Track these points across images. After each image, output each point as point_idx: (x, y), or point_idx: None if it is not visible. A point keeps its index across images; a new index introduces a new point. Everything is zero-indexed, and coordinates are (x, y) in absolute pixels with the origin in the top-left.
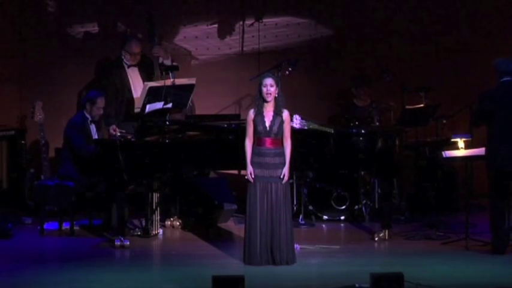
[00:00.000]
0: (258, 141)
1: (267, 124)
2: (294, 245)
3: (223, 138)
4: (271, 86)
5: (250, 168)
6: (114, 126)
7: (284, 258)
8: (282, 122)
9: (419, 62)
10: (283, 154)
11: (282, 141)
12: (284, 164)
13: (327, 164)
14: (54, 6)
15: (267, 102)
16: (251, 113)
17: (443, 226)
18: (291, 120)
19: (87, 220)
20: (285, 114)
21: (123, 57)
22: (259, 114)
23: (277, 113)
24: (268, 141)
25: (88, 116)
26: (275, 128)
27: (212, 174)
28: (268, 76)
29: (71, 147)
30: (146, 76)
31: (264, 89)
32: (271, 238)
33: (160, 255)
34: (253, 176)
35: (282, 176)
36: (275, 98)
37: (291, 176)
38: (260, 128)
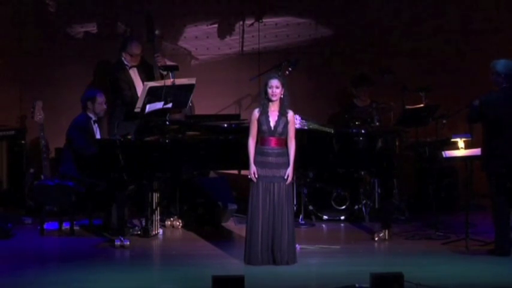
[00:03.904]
0: (261, 141)
1: (272, 124)
2: (295, 245)
3: (223, 138)
4: (277, 87)
5: (253, 167)
6: None
7: (285, 258)
8: (286, 122)
9: (419, 62)
10: (286, 154)
11: (286, 142)
12: (287, 164)
13: (327, 164)
14: (54, 6)
15: (271, 102)
16: (256, 113)
17: (443, 226)
18: None
19: (87, 220)
20: (290, 114)
21: (123, 58)
22: (264, 114)
23: (282, 114)
24: (272, 141)
25: (91, 115)
26: (280, 128)
27: (212, 174)
28: (274, 77)
29: (72, 147)
30: (145, 78)
31: (270, 91)
32: (273, 238)
33: (160, 255)
34: (256, 176)
35: (286, 177)
36: (280, 98)
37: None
38: (264, 127)
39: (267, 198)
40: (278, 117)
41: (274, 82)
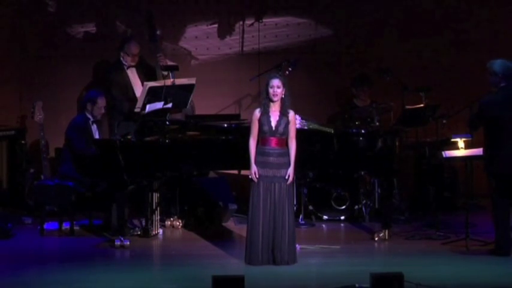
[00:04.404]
0: (262, 141)
1: (273, 124)
2: (296, 246)
3: (223, 138)
4: (278, 87)
5: (254, 167)
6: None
7: (285, 258)
8: (288, 122)
9: (419, 62)
10: (287, 154)
11: (287, 142)
12: (288, 164)
13: (327, 164)
14: (54, 6)
15: (273, 102)
16: (257, 112)
17: (443, 226)
18: None
19: (87, 220)
20: (291, 114)
21: (121, 58)
22: (265, 114)
23: (284, 114)
24: (273, 141)
25: (90, 116)
26: (281, 128)
27: (212, 174)
28: (275, 77)
29: (71, 148)
30: (145, 78)
31: (271, 90)
32: (273, 238)
33: (160, 255)
34: (257, 176)
35: (287, 177)
36: (282, 98)
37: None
38: (266, 127)
39: (267, 198)
40: (279, 117)
41: (276, 82)
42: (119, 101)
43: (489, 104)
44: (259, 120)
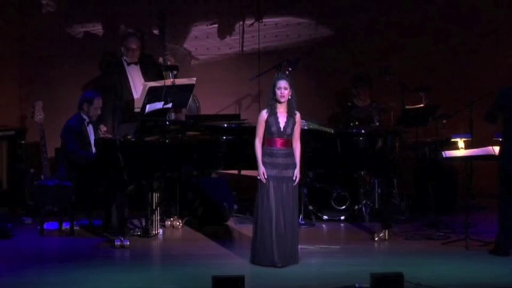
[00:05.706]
0: (268, 142)
1: (281, 125)
2: (298, 246)
3: (223, 138)
4: (285, 88)
5: (262, 168)
6: (102, 127)
7: (288, 258)
8: (294, 123)
9: (419, 62)
10: (293, 155)
11: (291, 142)
12: (294, 164)
13: (327, 164)
14: (54, 6)
15: (280, 103)
16: (264, 113)
17: (443, 226)
18: None
19: (87, 220)
20: (298, 116)
21: (123, 54)
22: (273, 115)
23: (291, 115)
24: (279, 142)
25: (85, 117)
26: (289, 129)
27: (212, 174)
28: (282, 78)
29: (65, 151)
30: (151, 76)
31: (278, 92)
32: (279, 238)
33: (160, 255)
34: (265, 176)
35: (294, 177)
36: (288, 99)
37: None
38: (274, 128)
39: (277, 198)
40: (287, 118)
41: (283, 83)
42: (118, 99)
43: (506, 96)
44: (267, 121)
